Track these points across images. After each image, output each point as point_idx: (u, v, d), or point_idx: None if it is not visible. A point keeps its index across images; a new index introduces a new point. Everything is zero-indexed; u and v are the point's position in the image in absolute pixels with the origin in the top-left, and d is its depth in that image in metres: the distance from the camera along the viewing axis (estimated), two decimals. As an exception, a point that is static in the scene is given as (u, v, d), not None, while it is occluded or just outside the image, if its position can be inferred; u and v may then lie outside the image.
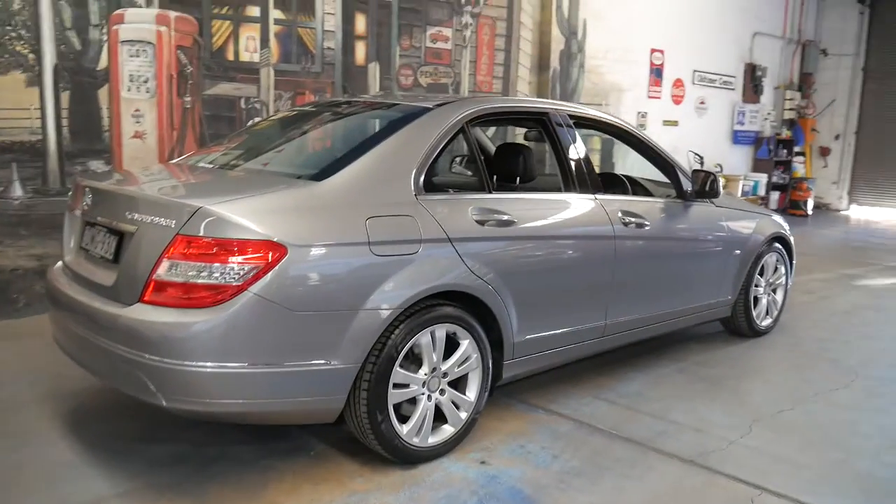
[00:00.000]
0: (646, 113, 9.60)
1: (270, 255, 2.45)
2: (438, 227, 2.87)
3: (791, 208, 12.18)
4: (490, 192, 3.19)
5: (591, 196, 3.60)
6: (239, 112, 5.80)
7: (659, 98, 9.82)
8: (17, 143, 4.76)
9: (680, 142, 10.04)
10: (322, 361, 2.58)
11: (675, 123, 10.13)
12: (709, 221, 4.32)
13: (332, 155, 2.98)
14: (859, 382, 4.07)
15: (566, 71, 8.30)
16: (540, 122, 3.63)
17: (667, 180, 4.32)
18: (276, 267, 2.45)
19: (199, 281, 2.43)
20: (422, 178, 2.93)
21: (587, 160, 3.68)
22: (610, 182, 4.27)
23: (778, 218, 5.01)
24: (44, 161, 4.88)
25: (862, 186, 13.27)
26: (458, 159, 4.68)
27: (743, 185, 11.12)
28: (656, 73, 9.69)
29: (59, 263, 3.22)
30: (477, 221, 3.02)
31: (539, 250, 3.26)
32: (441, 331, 2.89)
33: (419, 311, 2.80)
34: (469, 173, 4.34)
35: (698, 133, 10.48)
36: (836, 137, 13.08)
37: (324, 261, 2.56)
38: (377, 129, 3.12)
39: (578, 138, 3.68)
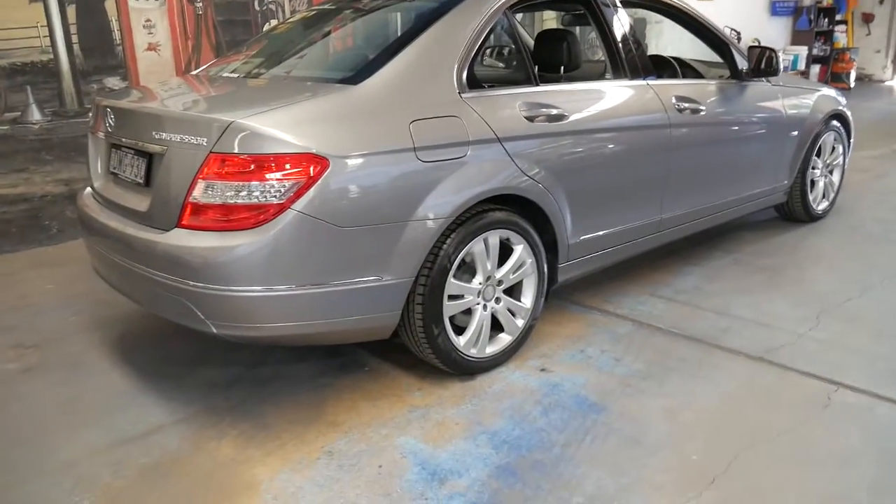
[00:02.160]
0: (680, -12, 9.00)
1: (312, 168, 2.27)
2: (486, 126, 2.66)
3: (833, 81, 11.61)
4: (536, 85, 2.94)
5: (643, 81, 3.34)
6: (254, 15, 5.48)
7: (693, -29, 9.18)
8: (28, 65, 4.55)
9: (716, 17, 9.39)
10: (373, 277, 2.45)
11: (710, -2, 9.50)
12: (766, 102, 4.03)
13: (367, 55, 2.74)
14: (928, 264, 3.87)
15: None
16: (584, 3, 3.32)
17: (718, 60, 4.02)
18: (319, 181, 2.28)
19: (239, 201, 2.27)
20: (465, 74, 2.70)
21: (637, 42, 3.39)
22: (659, 65, 3.96)
23: (835, 93, 4.68)
24: (58, 81, 4.67)
25: (907, 53, 12.58)
26: (497, 51, 4.38)
27: (782, 60, 10.54)
28: (690, -58, 9.01)
29: (88, 189, 3.08)
30: (526, 118, 2.80)
31: (592, 144, 3.04)
32: (494, 237, 2.73)
33: (471, 218, 2.63)
34: (511, 66, 4.06)
35: (735, 6, 9.87)
36: (881, 1, 12.29)
37: (368, 171, 2.38)
38: (410, 22, 2.85)
39: (627, 18, 3.38)
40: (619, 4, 3.36)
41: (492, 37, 3.10)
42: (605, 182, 3.14)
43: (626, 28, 3.35)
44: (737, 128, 3.84)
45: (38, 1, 4.53)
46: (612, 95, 3.21)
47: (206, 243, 2.30)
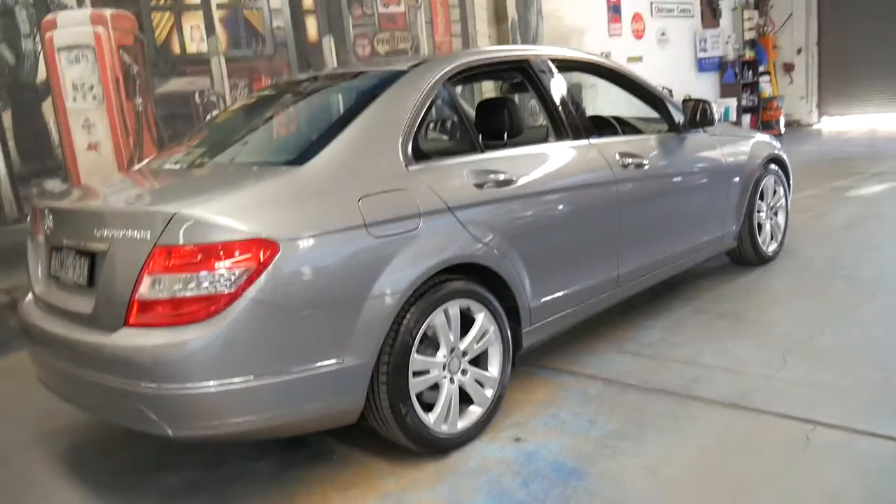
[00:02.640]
0: (609, 52, 9.36)
1: (261, 253, 2.21)
2: (436, 196, 2.64)
3: (764, 129, 12.07)
4: (481, 152, 2.96)
5: (586, 141, 3.39)
6: (195, 107, 5.48)
7: (620, 35, 9.59)
8: (-38, 174, 4.43)
9: (647, 76, 9.78)
10: (333, 361, 2.36)
11: (639, 59, 9.91)
12: (705, 152, 4.13)
13: (309, 135, 2.73)
14: (880, 296, 3.93)
15: (524, 19, 8.02)
16: (521, 71, 3.39)
17: (655, 116, 4.13)
18: (270, 266, 2.22)
19: (188, 294, 2.19)
20: (409, 147, 2.70)
21: (576, 104, 3.46)
22: (599, 125, 4.05)
23: (768, 138, 4.84)
24: (-6, 188, 4.55)
25: (830, 98, 13.19)
26: (440, 123, 4.43)
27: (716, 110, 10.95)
28: (614, 9, 9.44)
29: (30, 296, 2.95)
30: (475, 185, 2.80)
31: (542, 206, 3.05)
32: (454, 307, 2.68)
33: (429, 291, 2.58)
34: (454, 136, 4.09)
35: (664, 66, 10.28)
36: (799, 51, 12.97)
37: (320, 251, 2.33)
38: (352, 101, 2.86)
39: (563, 82, 3.45)
40: (554, 70, 3.43)
41: (433, 110, 3.13)
42: (560, 242, 3.14)
43: (564, 91, 3.42)
44: (681, 178, 3.92)
45: (-30, 110, 4.45)
46: (556, 156, 3.25)
47: (156, 341, 2.20)
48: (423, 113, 2.81)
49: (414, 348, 2.54)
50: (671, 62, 10.51)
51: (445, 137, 4.23)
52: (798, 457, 2.45)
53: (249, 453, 2.86)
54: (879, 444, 2.47)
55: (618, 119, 4.36)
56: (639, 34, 9.93)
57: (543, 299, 3.07)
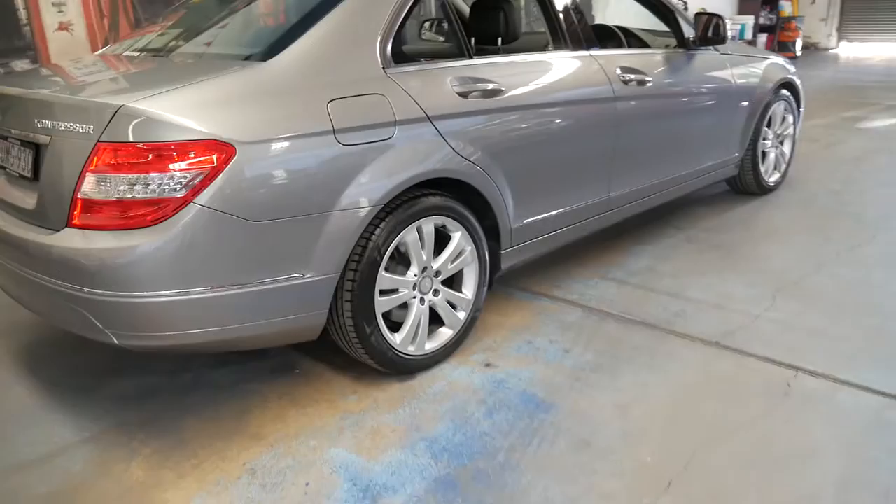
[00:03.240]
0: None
1: (216, 156, 2.01)
2: (414, 104, 2.42)
3: (779, 50, 11.61)
4: (470, 58, 2.71)
5: (586, 52, 3.13)
6: (176, -10, 5.12)
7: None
8: (-78, 47, 4.15)
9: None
10: (294, 275, 2.21)
11: (657, -33, 9.36)
12: (714, 71, 3.87)
13: (282, 27, 2.48)
14: (882, 236, 3.77)
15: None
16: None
17: (665, 29, 3.84)
18: (225, 170, 2.02)
19: (135, 196, 2.00)
20: (389, 47, 2.46)
21: (579, 11, 3.18)
22: (602, 35, 3.77)
23: (783, 61, 4.55)
24: (-42, 66, 4.28)
25: (851, 22, 12.65)
26: (427, 24, 4.12)
27: (729, 30, 10.47)
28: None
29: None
30: (458, 94, 2.57)
31: (532, 120, 2.83)
32: (428, 225, 2.51)
33: (401, 205, 2.40)
34: (442, 38, 3.81)
35: (681, -24, 9.75)
36: (825, -30, 12.33)
37: (282, 157, 2.13)
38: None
39: (568, -13, 3.16)
40: (558, -28, 3.14)
41: (422, 7, 2.86)
42: (548, 160, 2.93)
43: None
44: (685, 99, 3.67)
45: (-71, -22, 4.13)
46: (552, 68, 3.00)
47: (100, 244, 2.04)
48: (406, 9, 2.54)
49: (382, 266, 2.38)
50: (690, -28, 9.97)
51: (438, 39, 3.94)
52: (777, 405, 2.34)
53: (209, 361, 2.75)
54: (862, 397, 2.36)
55: (624, 30, 4.07)
56: (659, -60, 9.35)
57: (526, 220, 2.89)
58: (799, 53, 11.57)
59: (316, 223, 2.21)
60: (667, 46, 3.88)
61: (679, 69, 3.63)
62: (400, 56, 2.50)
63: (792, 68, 4.57)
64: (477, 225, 2.67)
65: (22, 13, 4.45)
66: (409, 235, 2.45)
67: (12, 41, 4.45)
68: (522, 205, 2.84)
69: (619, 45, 3.83)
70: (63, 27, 4.60)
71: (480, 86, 2.64)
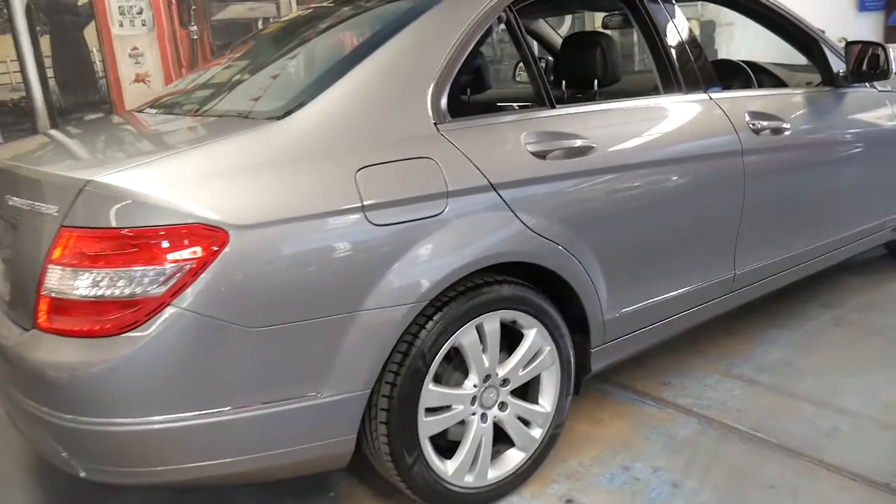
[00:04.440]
0: (753, -15, 8.00)
1: (201, 246, 1.56)
2: (474, 168, 1.89)
3: (934, 82, 10.29)
4: (551, 107, 2.15)
5: (704, 95, 2.51)
6: (257, 37, 4.86)
7: (767, -35, 8.17)
8: (-3, 105, 4.04)
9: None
10: (309, 394, 1.70)
11: (788, -6, 8.47)
12: (871, 113, 3.12)
13: (306, 80, 2.03)
14: None
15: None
16: (628, 2, 2.52)
17: (804, 62, 3.14)
18: (213, 263, 1.56)
19: (103, 295, 1.57)
20: (444, 98, 1.94)
21: (695, 44, 2.56)
22: (727, 72, 3.12)
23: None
24: (32, 121, 4.15)
25: None
26: (521, 65, 3.57)
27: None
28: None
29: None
30: (534, 153, 2.01)
31: (631, 183, 2.22)
32: (492, 321, 1.95)
33: (455, 298, 1.87)
34: (521, 83, 3.26)
35: (816, 3, 8.77)
36: None
37: (290, 244, 1.64)
38: (370, 34, 2.12)
39: (681, 15, 2.56)
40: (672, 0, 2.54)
41: (488, 47, 2.34)
42: (653, 234, 2.31)
43: (681, 28, 2.53)
44: (833, 150, 2.95)
45: (5, 34, 4.02)
46: (660, 116, 2.39)
47: (58, 355, 1.62)
48: (467, 53, 2.02)
49: (428, 377, 1.84)
50: (825, -1, 8.98)
51: (517, 85, 3.39)
52: None
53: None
54: None
55: (754, 66, 3.39)
56: (790, -36, 8.46)
57: (625, 309, 2.27)
58: (958, 84, 10.24)
59: (337, 327, 1.70)
60: (808, 84, 3.18)
61: (825, 112, 2.92)
62: (459, 108, 1.98)
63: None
64: (558, 318, 2.08)
65: (98, 65, 4.30)
66: (465, 336, 1.90)
67: (87, 94, 4.30)
68: (619, 290, 2.23)
69: (748, 85, 3.16)
70: (140, 79, 4.42)
71: (564, 143, 2.08)
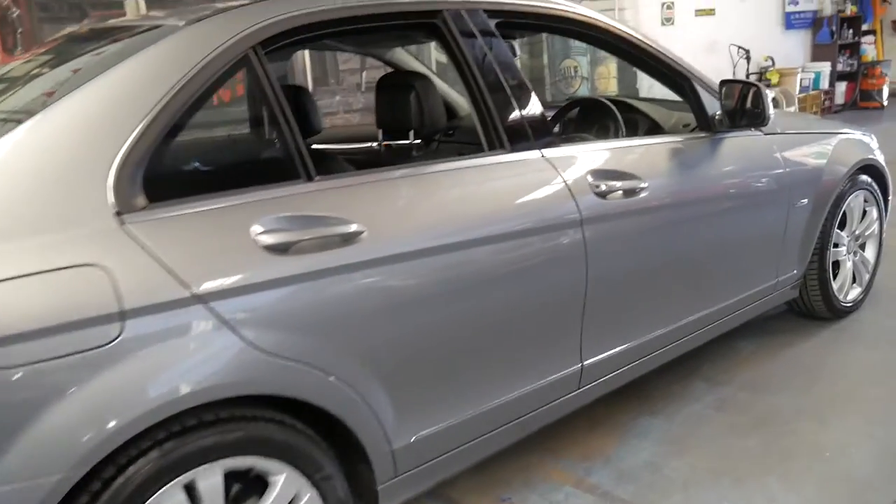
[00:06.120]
0: (672, 3, 7.70)
1: None
2: (166, 276, 1.37)
3: (862, 100, 10.14)
4: (308, 180, 1.65)
5: (535, 153, 2.03)
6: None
7: (687, -19, 7.89)
8: None
9: (720, 34, 8.16)
10: None
11: (710, 12, 8.20)
12: (754, 161, 2.69)
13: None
14: None
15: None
16: (431, 31, 2.04)
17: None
18: None
19: None
20: (139, 175, 1.43)
21: (524, 87, 2.08)
22: (589, 115, 2.68)
23: (859, 134, 3.31)
24: None
25: (948, 63, 11.05)
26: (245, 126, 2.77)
27: (801, 80, 9.11)
28: (681, -52, 7.73)
29: None
30: (269, 247, 1.50)
31: (421, 275, 1.72)
32: (211, 475, 1.44)
33: (143, 455, 1.35)
34: (259, 150, 2.43)
35: (741, 21, 8.53)
36: (914, 7, 10.83)
37: None
38: (63, 84, 1.59)
39: (504, 50, 2.08)
40: (490, 29, 2.06)
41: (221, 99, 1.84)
42: (457, 333, 1.82)
43: (504, 67, 2.05)
44: (707, 208, 2.49)
45: None
46: (467, 182, 1.91)
47: None
48: (184, 109, 1.52)
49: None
50: (751, 17, 8.73)
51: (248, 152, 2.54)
52: None
53: None
54: None
55: (630, 105, 2.95)
56: (712, -20, 8.20)
57: (423, 432, 1.78)
58: (885, 103, 10.06)
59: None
60: (686, 127, 2.76)
61: (698, 164, 2.48)
62: (160, 188, 1.46)
63: (873, 142, 3.34)
64: (321, 457, 1.58)
65: None
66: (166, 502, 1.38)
67: None
68: (412, 410, 1.74)
69: (614, 130, 2.70)
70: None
71: (320, 229, 1.58)
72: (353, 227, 1.60)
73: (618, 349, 2.24)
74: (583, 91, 6.57)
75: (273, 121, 1.65)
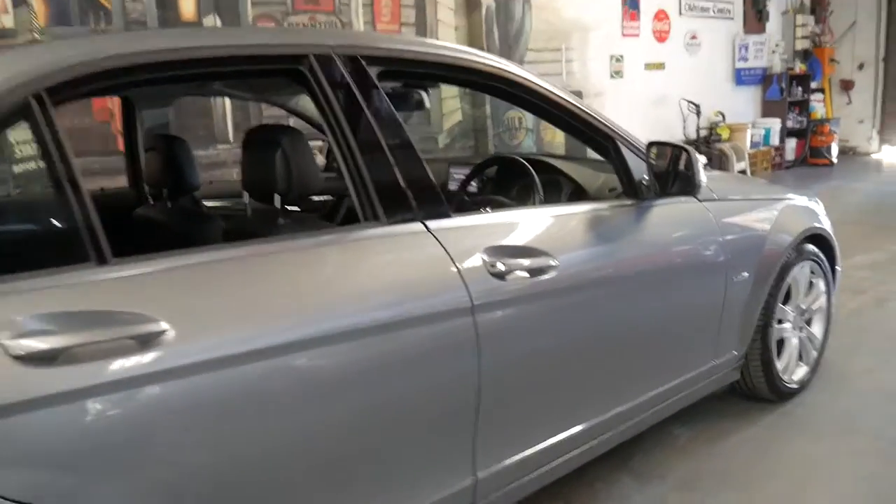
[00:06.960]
0: (621, 56, 7.59)
1: None
2: None
3: (812, 157, 10.15)
4: (100, 263, 1.29)
5: (417, 226, 1.70)
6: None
7: (637, 36, 7.79)
8: None
9: (669, 88, 8.07)
10: None
11: (660, 66, 8.12)
12: (687, 233, 2.40)
13: None
14: None
15: (505, 8, 6.29)
16: (297, 79, 1.71)
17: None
18: None
19: None
20: None
21: (405, 146, 1.76)
22: (504, 175, 2.37)
23: (805, 200, 3.07)
24: None
25: (894, 123, 11.18)
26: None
27: (751, 135, 9.07)
28: (631, 3, 7.64)
29: None
30: (22, 358, 1.13)
31: (253, 385, 1.36)
32: None
33: None
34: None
35: (692, 76, 8.48)
36: (860, 67, 10.98)
37: None
38: None
39: (386, 104, 1.76)
40: (369, 79, 1.74)
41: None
42: (298, 458, 1.45)
43: (384, 126, 1.73)
44: (629, 287, 2.17)
45: None
46: (324, 264, 1.57)
47: None
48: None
49: None
50: (702, 72, 8.68)
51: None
52: None
53: None
54: None
55: (553, 166, 2.66)
56: (662, 36, 8.12)
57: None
58: (835, 160, 10.08)
59: None
60: (612, 191, 2.47)
61: (619, 236, 2.17)
62: None
63: (819, 209, 3.11)
64: None
65: None
66: None
67: None
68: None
69: (525, 193, 2.40)
70: None
71: (101, 332, 1.20)
72: (153, 327, 1.24)
73: (522, 455, 1.89)
74: (527, 143, 6.33)
75: (57, 185, 1.28)
